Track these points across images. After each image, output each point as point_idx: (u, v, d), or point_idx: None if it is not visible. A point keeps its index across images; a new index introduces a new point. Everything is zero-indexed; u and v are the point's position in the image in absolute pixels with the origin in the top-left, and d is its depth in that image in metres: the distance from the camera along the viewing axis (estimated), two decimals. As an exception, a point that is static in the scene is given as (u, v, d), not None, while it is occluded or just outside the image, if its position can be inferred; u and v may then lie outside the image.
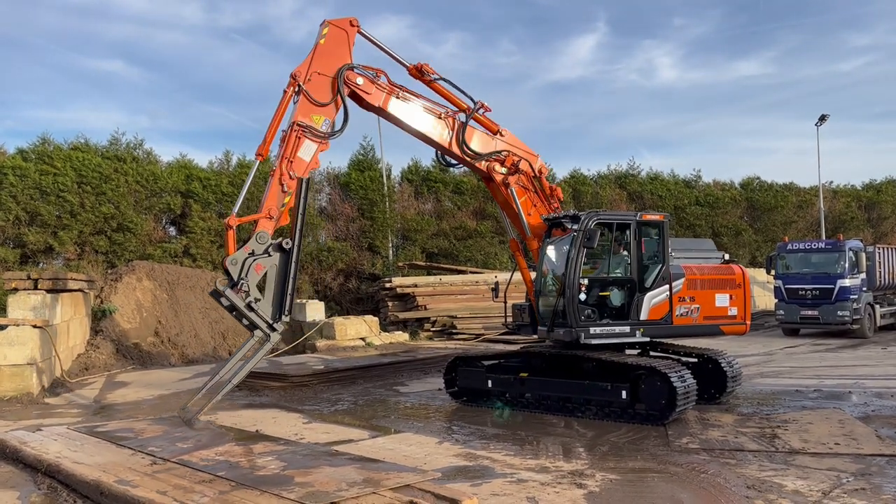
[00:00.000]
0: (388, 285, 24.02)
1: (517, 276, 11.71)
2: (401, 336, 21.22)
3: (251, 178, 10.17)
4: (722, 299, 10.68)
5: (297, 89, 9.99)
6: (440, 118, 10.81)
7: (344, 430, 9.56)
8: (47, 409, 11.57)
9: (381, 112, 10.68)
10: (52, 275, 14.37)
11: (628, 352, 10.57)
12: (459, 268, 26.49)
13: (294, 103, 10.05)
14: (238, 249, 9.40)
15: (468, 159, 11.00)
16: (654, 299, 10.17)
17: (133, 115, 63.26)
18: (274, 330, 9.52)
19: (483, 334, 21.09)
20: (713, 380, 10.72)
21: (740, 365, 11.28)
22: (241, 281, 9.25)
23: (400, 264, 26.90)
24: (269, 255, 9.53)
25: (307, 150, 9.98)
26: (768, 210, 34.97)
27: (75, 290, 15.13)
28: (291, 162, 9.83)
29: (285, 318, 9.64)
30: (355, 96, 10.45)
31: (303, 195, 9.92)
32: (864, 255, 21.60)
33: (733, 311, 10.72)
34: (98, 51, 62.58)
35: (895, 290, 23.87)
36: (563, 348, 10.45)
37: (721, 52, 74.73)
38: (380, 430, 9.56)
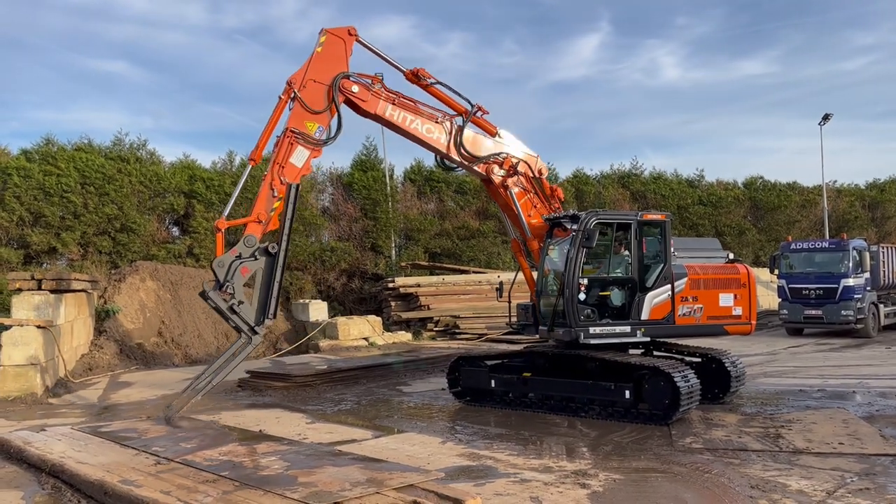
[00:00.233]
0: (391, 285, 24.03)
1: (521, 276, 11.71)
2: (404, 336, 21.24)
3: (242, 181, 10.34)
4: (726, 299, 10.64)
5: (292, 96, 10.07)
6: (437, 122, 10.85)
7: (347, 430, 9.56)
8: (51, 409, 11.60)
9: (377, 119, 10.74)
10: (55, 275, 14.39)
11: (632, 351, 10.56)
12: (462, 268, 26.50)
13: (289, 109, 10.12)
14: (226, 252, 9.54)
15: (466, 162, 11.01)
16: (655, 299, 10.15)
17: (136, 116, 63.45)
18: (256, 333, 9.63)
19: (486, 334, 21.09)
20: (717, 379, 10.70)
21: (744, 365, 11.26)
22: (227, 283, 9.38)
23: (403, 264, 26.91)
24: (256, 259, 9.67)
25: (299, 156, 10.09)
26: (772, 209, 34.90)
27: (79, 291, 15.16)
28: (283, 167, 9.96)
29: (269, 322, 9.77)
30: (351, 104, 10.53)
31: (292, 201, 10.02)
32: (867, 254, 21.53)
33: (738, 311, 10.68)
34: (101, 51, 62.76)
35: (899, 290, 23.81)
36: (566, 348, 10.45)
37: (724, 51, 74.71)
38: (383, 430, 9.56)
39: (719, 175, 40.50)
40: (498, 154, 11.12)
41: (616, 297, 10.24)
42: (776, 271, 22.54)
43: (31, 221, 22.98)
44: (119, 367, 16.08)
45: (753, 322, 10.85)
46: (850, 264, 20.90)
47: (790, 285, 21.76)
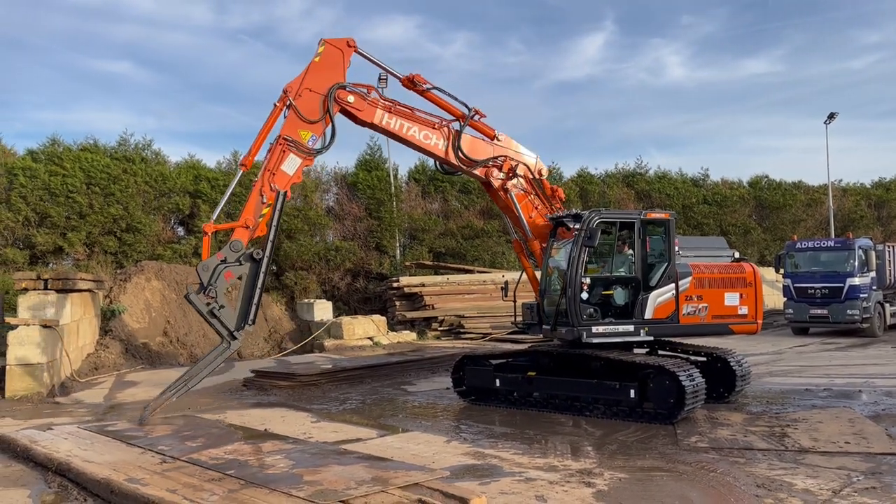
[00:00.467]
0: (395, 285, 24.06)
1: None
2: (408, 335, 21.26)
3: (232, 187, 10.42)
4: (731, 298, 10.62)
5: (287, 104, 10.13)
6: (434, 128, 10.87)
7: (352, 429, 9.58)
8: (57, 408, 11.64)
9: (374, 127, 10.79)
10: (61, 275, 14.44)
11: (637, 351, 10.55)
12: (467, 267, 26.50)
13: (284, 117, 10.19)
14: (212, 256, 9.63)
15: (465, 167, 11.03)
16: (659, 298, 10.14)
17: (141, 116, 63.53)
18: (234, 338, 9.68)
19: (491, 334, 21.09)
20: (722, 379, 10.68)
21: (749, 364, 11.24)
22: (210, 287, 9.43)
23: (407, 264, 26.92)
24: (241, 265, 9.72)
25: (291, 163, 10.16)
26: (777, 209, 34.81)
27: (85, 291, 15.21)
28: (274, 174, 10.03)
29: (249, 328, 9.82)
30: (348, 114, 10.57)
31: (278, 208, 10.05)
32: (873, 253, 21.47)
33: (743, 310, 10.66)
34: (105, 52, 62.86)
35: (905, 289, 23.72)
36: (569, 347, 10.44)
37: (729, 50, 74.45)
38: (388, 429, 9.57)
39: (724, 174, 40.46)
40: (497, 157, 11.12)
41: (619, 296, 10.23)
42: (781, 270, 22.49)
43: (37, 222, 23.04)
44: (125, 366, 16.13)
45: (759, 321, 10.82)
46: (856, 263, 20.84)
47: (795, 284, 21.71)
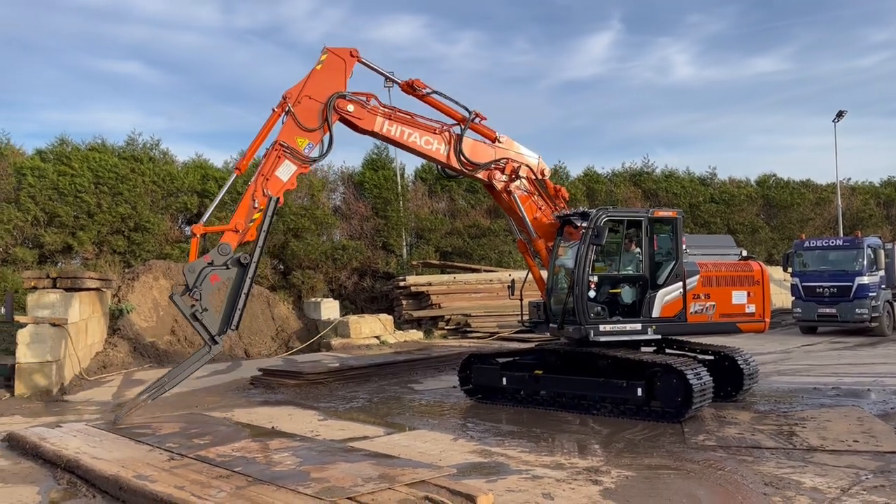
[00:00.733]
0: (402, 284, 24.07)
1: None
2: (415, 334, 21.28)
3: (225, 190, 10.46)
4: (739, 296, 10.57)
5: (286, 110, 10.13)
6: (435, 133, 10.84)
7: (359, 427, 9.59)
8: (66, 406, 11.70)
9: (375, 135, 10.78)
10: (70, 274, 14.51)
11: (644, 349, 10.53)
12: (473, 266, 26.51)
13: (282, 123, 10.19)
14: (199, 258, 9.62)
15: (468, 170, 11.00)
16: (666, 296, 10.11)
17: (149, 117, 63.88)
18: (215, 343, 9.64)
19: (497, 332, 21.08)
20: (730, 377, 10.64)
21: (757, 362, 11.20)
22: (195, 289, 9.40)
23: (414, 263, 26.96)
24: (228, 268, 9.68)
25: (285, 170, 10.15)
26: (785, 207, 34.67)
27: (93, 289, 15.28)
28: (268, 179, 10.03)
29: (231, 332, 9.79)
30: (348, 122, 10.55)
31: (269, 214, 10.00)
32: (882, 252, 21.36)
33: (751, 309, 10.61)
34: (114, 52, 63.18)
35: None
36: (576, 346, 10.43)
37: (737, 48, 74.16)
38: (395, 427, 9.58)
39: (732, 173, 40.25)
40: (499, 160, 11.10)
41: (627, 294, 10.20)
42: (789, 269, 22.40)
43: (46, 221, 23.17)
44: (133, 365, 16.20)
45: (767, 320, 10.77)
46: (865, 262, 20.73)
47: (804, 283, 21.62)
